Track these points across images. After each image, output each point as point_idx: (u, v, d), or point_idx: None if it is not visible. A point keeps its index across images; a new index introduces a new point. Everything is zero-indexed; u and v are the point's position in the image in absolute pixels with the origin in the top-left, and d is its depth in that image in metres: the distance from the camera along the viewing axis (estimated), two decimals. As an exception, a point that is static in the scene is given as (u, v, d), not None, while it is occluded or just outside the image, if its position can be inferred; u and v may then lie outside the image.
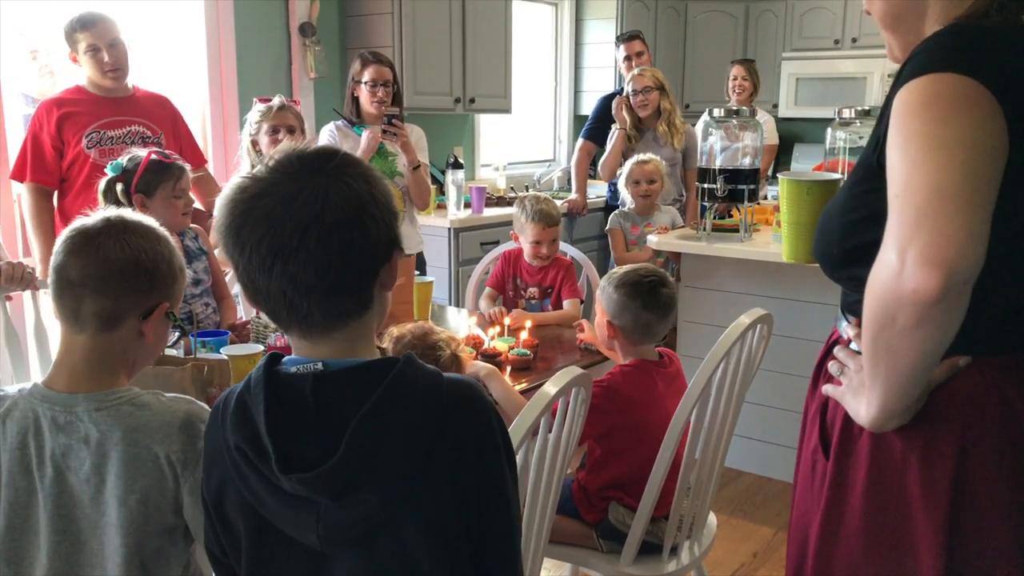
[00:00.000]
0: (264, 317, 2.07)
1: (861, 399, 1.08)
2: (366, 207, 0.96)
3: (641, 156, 3.76)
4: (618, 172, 3.93)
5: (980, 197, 0.93)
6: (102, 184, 2.24)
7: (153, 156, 2.25)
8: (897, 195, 0.96)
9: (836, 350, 1.19)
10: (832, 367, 1.18)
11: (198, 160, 3.02)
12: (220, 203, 0.98)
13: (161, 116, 2.98)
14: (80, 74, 2.90)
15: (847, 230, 1.11)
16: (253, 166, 2.77)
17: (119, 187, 2.21)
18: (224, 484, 1.02)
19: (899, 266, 0.92)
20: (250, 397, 0.98)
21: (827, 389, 1.18)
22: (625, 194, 3.78)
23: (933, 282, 0.90)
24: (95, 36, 2.78)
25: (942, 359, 1.05)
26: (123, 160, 2.25)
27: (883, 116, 1.04)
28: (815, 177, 1.48)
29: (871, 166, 1.05)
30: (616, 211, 3.86)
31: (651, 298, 1.94)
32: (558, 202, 4.68)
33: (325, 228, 0.93)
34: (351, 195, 0.95)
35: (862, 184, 1.08)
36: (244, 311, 2.90)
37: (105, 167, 2.30)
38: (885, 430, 1.09)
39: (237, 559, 1.05)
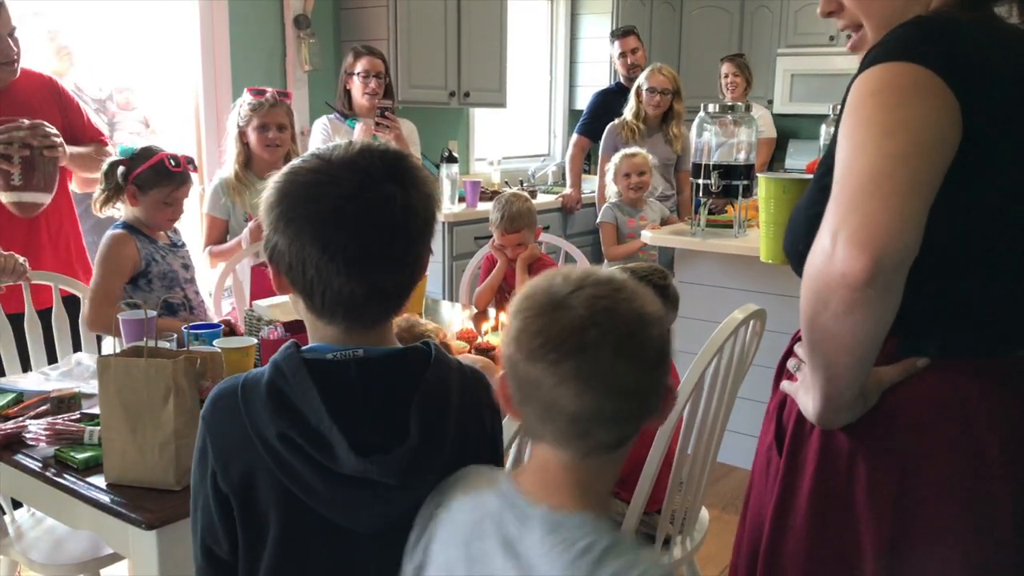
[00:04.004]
0: (257, 310, 2.09)
1: (809, 394, 1.07)
2: (433, 215, 1.04)
3: (628, 150, 3.77)
4: (606, 167, 3.93)
5: (917, 184, 0.91)
6: (105, 165, 2.25)
7: (164, 157, 2.25)
8: (837, 179, 0.95)
9: (796, 346, 1.18)
10: (790, 363, 1.17)
11: (93, 134, 2.64)
12: (288, 185, 0.98)
13: (43, 100, 2.54)
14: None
15: (811, 224, 1.08)
16: (238, 157, 2.78)
17: (120, 170, 2.23)
18: (252, 474, 0.99)
19: (831, 248, 0.91)
20: (288, 385, 0.97)
21: (784, 385, 1.17)
22: (613, 189, 3.79)
23: (860, 265, 0.88)
24: None
25: (899, 360, 1.04)
26: (135, 147, 2.27)
27: (843, 107, 1.03)
28: (793, 176, 1.47)
29: (833, 158, 1.03)
30: (609, 203, 3.84)
31: (666, 297, 1.96)
32: (551, 197, 4.72)
33: (409, 238, 0.99)
34: (429, 203, 1.01)
35: (826, 178, 1.05)
36: (236, 303, 2.90)
37: None
38: (833, 426, 1.07)
39: (254, 553, 1.01)
